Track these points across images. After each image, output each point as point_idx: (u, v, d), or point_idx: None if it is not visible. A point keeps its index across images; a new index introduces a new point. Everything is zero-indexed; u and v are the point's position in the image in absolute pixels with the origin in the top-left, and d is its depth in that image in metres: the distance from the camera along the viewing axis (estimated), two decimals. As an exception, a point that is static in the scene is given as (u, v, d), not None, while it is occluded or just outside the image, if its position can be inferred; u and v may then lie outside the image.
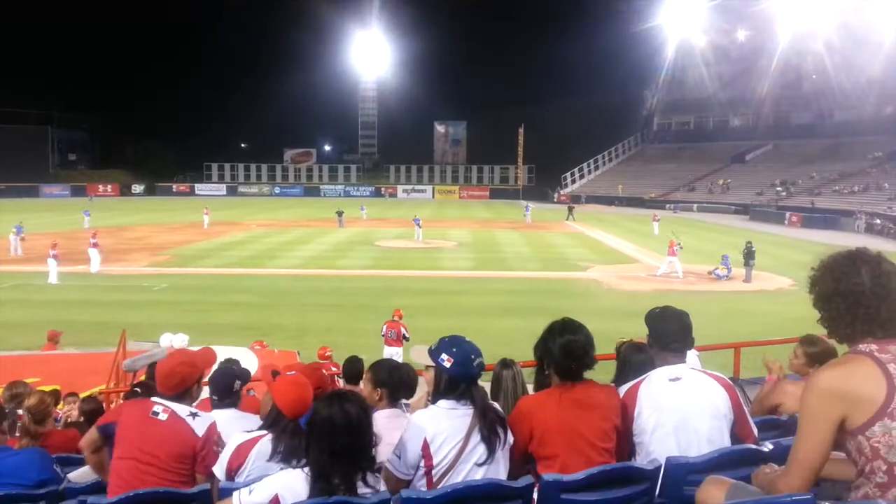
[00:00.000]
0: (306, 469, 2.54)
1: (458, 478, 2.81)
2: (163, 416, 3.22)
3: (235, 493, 2.59)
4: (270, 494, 2.51)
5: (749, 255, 24.00)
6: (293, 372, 3.25)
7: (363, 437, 2.55)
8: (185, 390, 3.35)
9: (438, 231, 40.82)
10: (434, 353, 2.92)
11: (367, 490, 2.54)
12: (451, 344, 2.94)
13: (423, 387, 3.44)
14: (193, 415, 3.27)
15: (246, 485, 2.67)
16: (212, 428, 3.29)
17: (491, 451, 2.86)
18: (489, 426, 2.88)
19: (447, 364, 2.88)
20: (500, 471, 2.93)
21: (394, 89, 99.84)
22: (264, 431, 3.07)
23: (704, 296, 21.39)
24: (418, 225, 37.27)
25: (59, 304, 19.42)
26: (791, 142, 70.91)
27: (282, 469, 2.73)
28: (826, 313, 2.22)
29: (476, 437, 2.84)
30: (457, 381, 2.90)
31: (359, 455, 2.54)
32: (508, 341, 13.79)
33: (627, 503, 2.83)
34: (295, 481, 2.53)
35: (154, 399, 3.34)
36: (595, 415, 2.96)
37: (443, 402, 2.87)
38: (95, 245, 24.86)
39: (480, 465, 2.85)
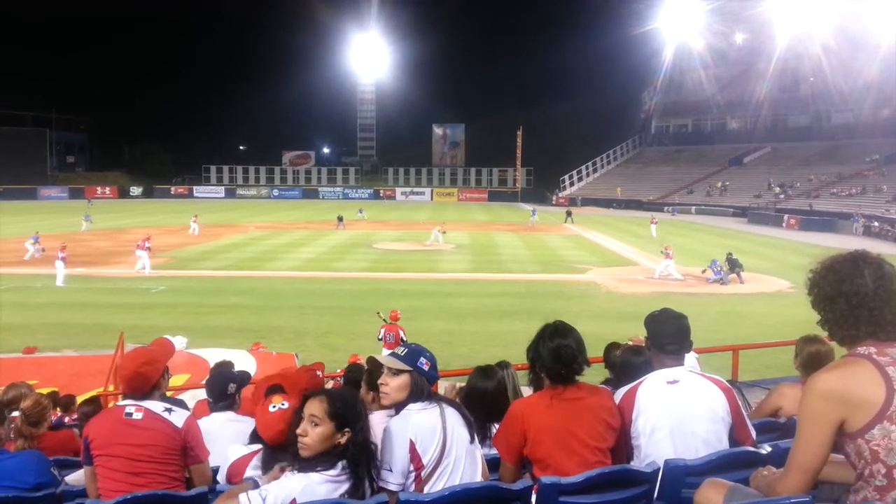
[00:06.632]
0: (327, 472, 2.53)
1: (445, 474, 2.82)
2: (137, 416, 3.18)
3: (243, 496, 2.50)
4: (287, 499, 2.48)
5: (732, 265, 23.98)
6: (277, 406, 2.99)
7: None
8: (152, 388, 3.32)
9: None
10: (409, 359, 2.92)
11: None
12: (420, 350, 3.00)
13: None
14: (168, 409, 3.24)
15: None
16: (190, 419, 3.27)
17: (472, 434, 2.94)
18: (459, 410, 2.98)
19: (426, 367, 2.94)
20: (476, 469, 2.95)
21: (392, 91, 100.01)
22: (258, 446, 3.02)
23: (702, 298, 21.40)
24: (440, 232, 35.43)
25: (58, 306, 19.37)
26: (789, 144, 71.08)
27: (294, 474, 2.61)
28: (830, 315, 2.19)
29: (452, 426, 2.87)
30: (428, 384, 2.98)
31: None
32: (506, 343, 13.85)
33: (626, 506, 2.82)
34: (314, 485, 2.51)
35: (122, 403, 3.29)
36: (588, 415, 2.97)
37: (413, 405, 2.89)
38: (148, 248, 25.29)
39: (465, 459, 2.88)
